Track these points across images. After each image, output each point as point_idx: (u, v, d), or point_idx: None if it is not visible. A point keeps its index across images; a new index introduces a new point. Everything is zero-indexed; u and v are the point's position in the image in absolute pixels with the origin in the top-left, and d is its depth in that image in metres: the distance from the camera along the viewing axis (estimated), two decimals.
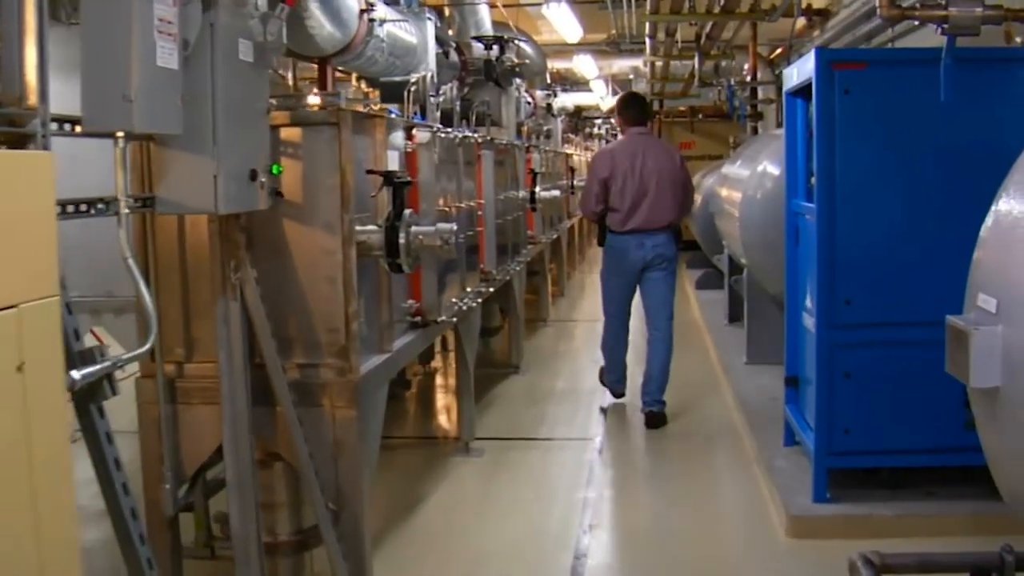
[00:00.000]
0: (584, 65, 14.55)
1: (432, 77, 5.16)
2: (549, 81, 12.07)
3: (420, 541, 4.65)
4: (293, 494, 3.83)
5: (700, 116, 20.15)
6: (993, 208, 2.39)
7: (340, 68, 4.79)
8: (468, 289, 5.83)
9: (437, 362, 8.46)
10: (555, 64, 13.75)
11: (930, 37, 6.20)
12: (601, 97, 17.53)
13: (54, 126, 2.50)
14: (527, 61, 8.70)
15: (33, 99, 2.33)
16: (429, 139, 4.71)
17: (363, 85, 6.04)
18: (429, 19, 5.37)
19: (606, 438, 6.37)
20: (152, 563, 2.58)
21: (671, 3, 9.81)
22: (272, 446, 3.70)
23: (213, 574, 3.98)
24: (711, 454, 5.96)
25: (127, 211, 2.67)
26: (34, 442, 1.87)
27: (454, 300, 5.35)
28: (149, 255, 3.60)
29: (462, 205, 5.65)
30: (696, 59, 12.14)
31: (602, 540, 4.72)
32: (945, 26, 3.57)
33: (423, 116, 4.95)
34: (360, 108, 4.27)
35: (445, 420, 7.10)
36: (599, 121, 20.12)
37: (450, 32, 7.09)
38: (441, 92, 5.42)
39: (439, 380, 8.15)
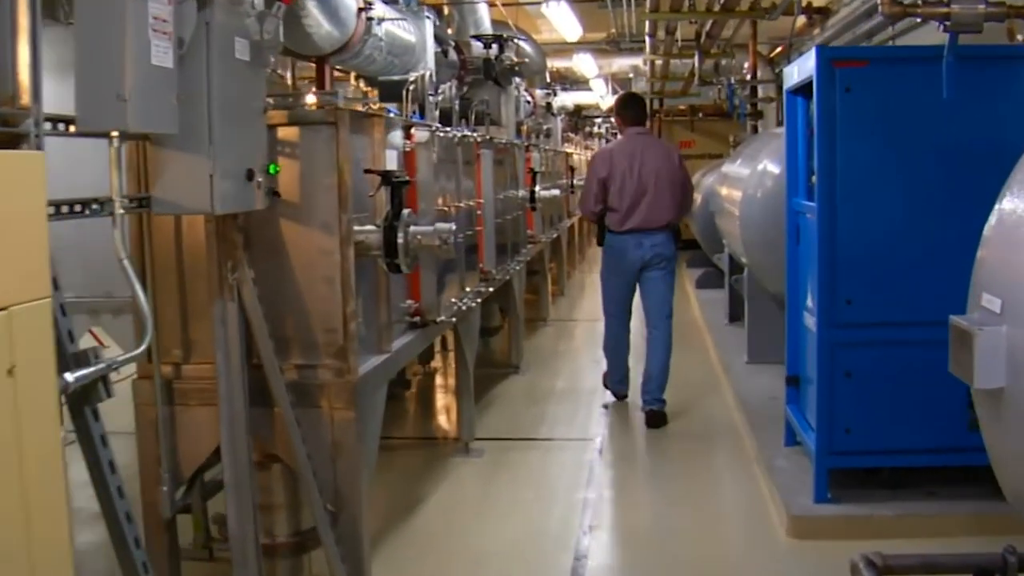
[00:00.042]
0: (584, 64, 14.53)
1: (431, 76, 5.14)
2: (549, 80, 12.06)
3: (419, 542, 4.63)
4: (291, 495, 3.81)
5: (700, 115, 20.12)
6: (997, 207, 2.37)
7: (338, 67, 4.77)
8: (467, 289, 5.80)
9: (437, 362, 8.44)
10: (555, 63, 13.73)
11: (931, 35, 6.19)
12: (601, 96, 17.52)
13: (47, 126, 2.48)
14: (526, 60, 8.68)
15: (26, 98, 2.31)
16: (428, 138, 4.68)
17: (362, 84, 6.02)
18: (428, 18, 5.35)
19: (606, 438, 6.34)
20: (148, 567, 2.55)
21: (671, 1, 9.78)
22: (270, 447, 3.68)
23: None
24: (712, 454, 5.94)
25: (122, 212, 2.64)
26: (25, 446, 1.85)
27: (453, 300, 5.33)
28: (146, 256, 3.58)
29: (461, 205, 5.63)
30: (696, 58, 12.11)
31: (602, 541, 4.70)
32: (947, 23, 3.54)
33: (422, 115, 4.93)
34: (359, 107, 4.25)
35: (445, 420, 7.08)
36: (599, 120, 20.10)
37: (449, 31, 7.07)
38: (440, 91, 5.40)
39: (439, 380, 8.13)
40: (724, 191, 8.81)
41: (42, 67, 2.35)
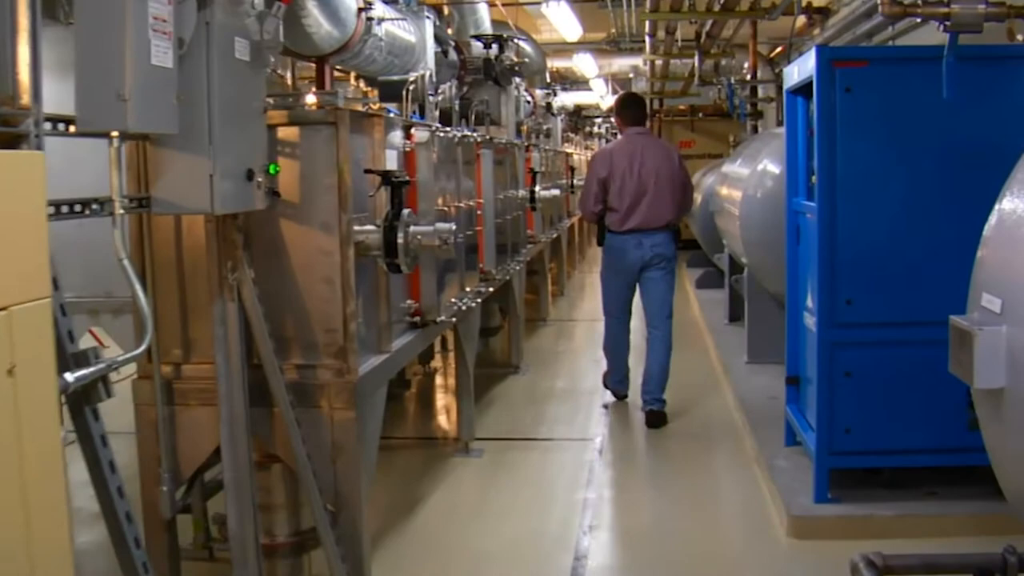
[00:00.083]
0: (584, 64, 14.54)
1: (431, 76, 5.14)
2: (549, 80, 12.05)
3: (419, 542, 4.63)
4: (291, 496, 3.81)
5: (700, 115, 20.11)
6: (997, 207, 2.37)
7: (338, 67, 4.77)
8: (467, 289, 5.80)
9: (437, 362, 8.43)
10: (555, 63, 13.74)
11: (931, 36, 6.19)
12: (601, 96, 17.53)
13: (47, 126, 2.48)
14: (526, 60, 8.68)
15: (26, 98, 2.31)
16: (428, 138, 4.68)
17: (362, 84, 6.02)
18: (428, 18, 5.35)
19: (606, 438, 6.34)
20: (148, 567, 2.55)
21: (671, 1, 9.78)
22: (270, 447, 3.68)
23: None
24: (712, 454, 5.93)
25: (122, 212, 2.64)
26: (25, 446, 1.85)
27: (453, 300, 5.33)
28: (146, 255, 3.58)
29: (461, 205, 5.63)
30: (696, 57, 12.11)
31: (602, 541, 4.69)
32: (947, 23, 3.53)
33: (422, 115, 4.93)
34: (359, 107, 4.25)
35: (445, 420, 7.08)
36: (599, 120, 20.09)
37: (449, 31, 7.06)
38: (440, 91, 5.40)
39: (439, 380, 8.12)
40: (724, 191, 8.81)
41: (42, 67, 2.35)
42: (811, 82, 4.53)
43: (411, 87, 4.80)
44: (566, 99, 14.46)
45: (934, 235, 4.39)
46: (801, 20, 9.28)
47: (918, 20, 3.98)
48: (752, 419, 6.07)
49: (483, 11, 7.73)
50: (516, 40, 7.94)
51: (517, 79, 8.11)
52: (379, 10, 4.46)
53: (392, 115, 4.59)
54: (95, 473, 2.40)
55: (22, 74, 2.29)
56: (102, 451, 2.37)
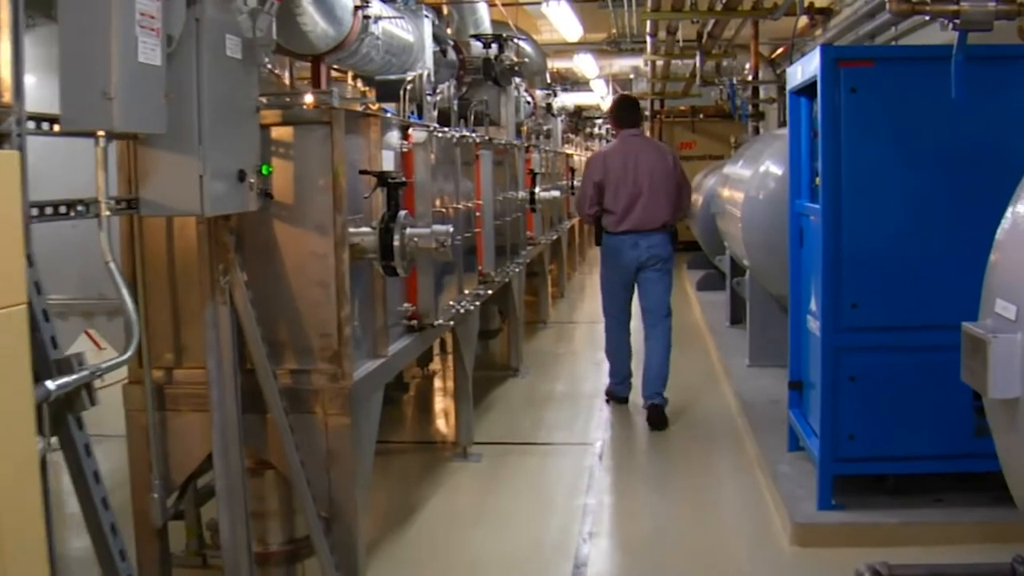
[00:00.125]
0: (584, 64, 14.47)
1: (429, 75, 5.07)
2: (549, 80, 11.98)
3: (416, 550, 4.55)
4: (285, 503, 3.74)
5: (701, 116, 20.05)
6: (1011, 209, 2.29)
7: (336, 67, 4.70)
8: (466, 291, 5.73)
9: (436, 364, 8.36)
10: (555, 63, 13.68)
11: (934, 36, 6.13)
12: (601, 97, 17.47)
13: (31, 125, 2.41)
14: (526, 60, 8.63)
15: (7, 96, 2.24)
16: (425, 139, 4.61)
17: (359, 84, 5.95)
18: (426, 17, 5.29)
19: (606, 443, 6.26)
20: None
21: (672, 1, 9.72)
22: (263, 454, 3.61)
23: None
24: (713, 458, 5.86)
25: (108, 213, 2.57)
26: None
27: (451, 303, 5.25)
28: (136, 258, 3.51)
29: (460, 206, 5.55)
30: (697, 58, 12.06)
31: (602, 548, 4.62)
32: (956, 21, 3.46)
33: (420, 115, 4.86)
34: (356, 107, 4.17)
35: (443, 424, 7.00)
36: (599, 121, 20.02)
37: (448, 31, 7.00)
38: (438, 91, 5.33)
39: (437, 383, 8.05)
40: (726, 193, 8.74)
41: (24, 64, 2.28)
42: (815, 82, 4.47)
43: (409, 87, 4.73)
44: (566, 100, 14.40)
45: (941, 238, 4.33)
46: (803, 20, 9.21)
47: (926, 19, 3.89)
48: (754, 423, 6.00)
49: (483, 11, 7.68)
50: (516, 40, 7.88)
51: (517, 79, 8.06)
52: (376, 8, 4.39)
53: (389, 115, 4.51)
54: (79, 484, 2.32)
55: (3, 71, 2.22)
56: (86, 461, 2.29)
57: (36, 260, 2.26)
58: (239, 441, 3.39)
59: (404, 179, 3.99)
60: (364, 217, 3.90)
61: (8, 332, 1.82)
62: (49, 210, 2.49)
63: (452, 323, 5.15)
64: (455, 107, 5.84)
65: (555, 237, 11.46)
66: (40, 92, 2.87)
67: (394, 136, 4.44)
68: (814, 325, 4.77)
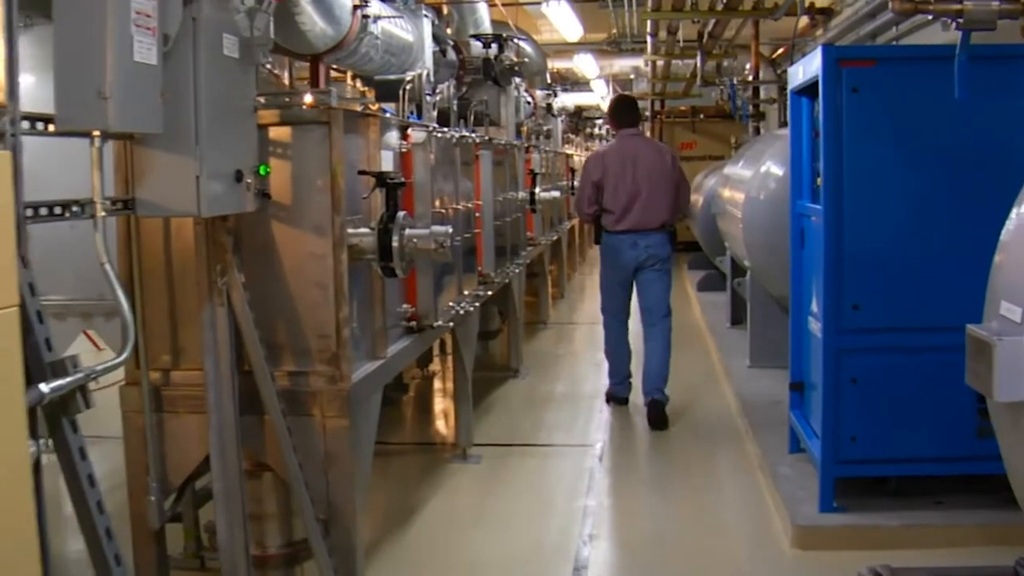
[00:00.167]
0: (584, 64, 14.44)
1: (428, 75, 5.04)
2: (549, 81, 11.96)
3: (415, 552, 4.53)
4: (283, 506, 3.71)
5: (701, 116, 20.03)
6: (1015, 211, 2.27)
7: (335, 66, 4.67)
8: (466, 292, 5.70)
9: (435, 365, 8.33)
10: (555, 63, 13.65)
11: (935, 36, 6.11)
12: (602, 97, 17.43)
13: (25, 124, 2.38)
14: (526, 60, 8.60)
15: (1, 96, 2.21)
16: (424, 139, 4.59)
17: (358, 84, 5.92)
18: (426, 16, 5.26)
19: (606, 444, 6.24)
20: None
21: (672, 1, 9.69)
22: (261, 456, 3.58)
23: None
24: (714, 460, 5.83)
25: (103, 214, 2.54)
26: None
27: (451, 304, 5.23)
28: (133, 259, 3.49)
29: (459, 207, 5.53)
30: (698, 58, 12.04)
31: (602, 550, 4.59)
32: (960, 20, 3.43)
33: (419, 115, 4.83)
34: (355, 107, 4.15)
35: (443, 425, 6.98)
36: (600, 121, 20.00)
37: (448, 30, 6.97)
38: (438, 91, 5.31)
39: (437, 384, 8.02)
40: (726, 193, 8.71)
41: (19, 63, 2.25)
42: (816, 82, 4.44)
43: (408, 87, 4.70)
44: (566, 100, 14.38)
45: (943, 239, 4.30)
46: (804, 20, 9.19)
47: (929, 18, 3.87)
48: (755, 424, 5.97)
49: (483, 10, 7.65)
50: (516, 40, 7.86)
51: (517, 79, 8.04)
52: (375, 8, 4.36)
53: (388, 115, 4.49)
54: (73, 488, 2.30)
55: None
56: (80, 465, 2.27)
57: (32, 261, 2.23)
58: (237, 443, 3.36)
59: (403, 179, 3.96)
60: (363, 218, 3.87)
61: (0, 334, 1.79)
62: (44, 211, 2.47)
63: (452, 324, 5.13)
64: (455, 107, 5.82)
65: (555, 238, 11.44)
66: (39, 92, 2.84)
67: (393, 136, 4.41)
68: (815, 326, 4.75)
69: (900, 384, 4.39)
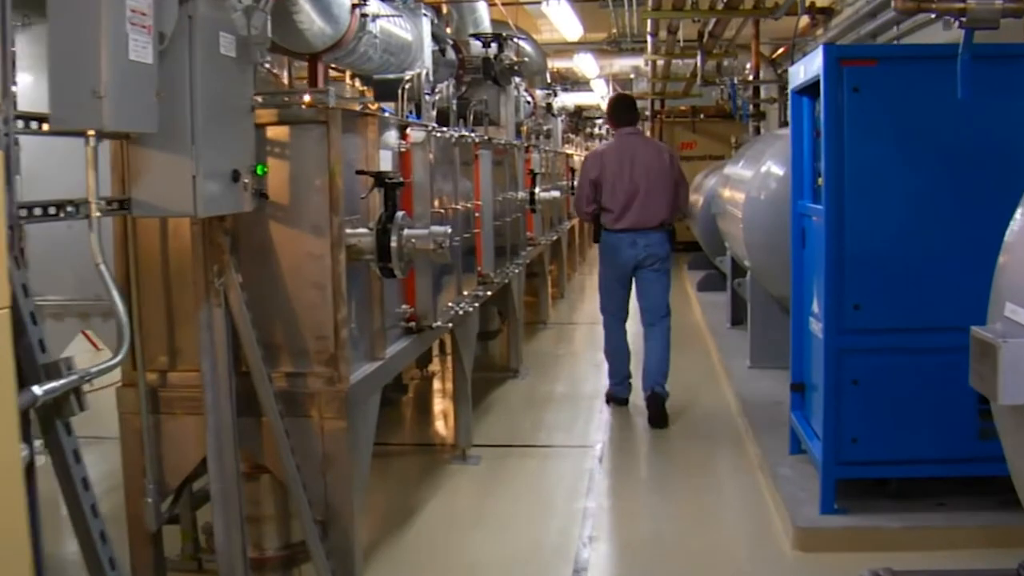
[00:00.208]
0: (584, 64, 14.42)
1: (427, 75, 5.02)
2: (549, 80, 11.94)
3: (414, 553, 4.51)
4: (280, 507, 3.70)
5: (702, 116, 20.01)
6: (1020, 211, 2.24)
7: (333, 66, 4.65)
8: (465, 293, 5.68)
9: (435, 366, 8.31)
10: (555, 63, 13.63)
11: (936, 36, 6.09)
12: (602, 97, 17.40)
13: (20, 124, 2.36)
14: (526, 60, 8.58)
15: None
16: (424, 139, 4.57)
17: (357, 83, 5.90)
18: (425, 15, 5.24)
19: (606, 445, 6.21)
20: None
21: (673, 0, 9.67)
22: (258, 458, 3.57)
23: None
24: (714, 461, 5.81)
25: (99, 214, 2.52)
26: None
27: (450, 304, 5.20)
28: (130, 259, 3.47)
29: (458, 206, 5.51)
30: (698, 58, 12.02)
31: (602, 552, 4.57)
32: (963, 19, 3.41)
33: (418, 115, 4.81)
34: (354, 107, 4.13)
35: (442, 426, 6.95)
36: (600, 121, 19.97)
37: (447, 30, 6.95)
38: (437, 90, 5.28)
39: (436, 384, 8.00)
40: (727, 193, 8.69)
41: (13, 62, 2.23)
42: (818, 82, 4.42)
43: (407, 86, 4.68)
44: (566, 100, 14.36)
45: (945, 239, 4.28)
46: (804, 20, 9.16)
47: (932, 16, 3.84)
48: (755, 425, 5.95)
49: (482, 10, 7.63)
50: (516, 39, 7.84)
51: (517, 79, 8.02)
52: (374, 7, 4.34)
53: (387, 115, 4.47)
54: (67, 491, 2.28)
55: None
56: (74, 468, 2.24)
57: (28, 261, 2.21)
58: (234, 445, 3.34)
59: (402, 179, 3.94)
60: (361, 218, 3.85)
61: None
62: (38, 211, 2.44)
63: (451, 325, 5.11)
64: (454, 107, 5.79)
65: (555, 238, 11.42)
66: (37, 92, 2.82)
67: (392, 136, 4.39)
68: (816, 327, 4.73)
69: (901, 385, 4.36)
